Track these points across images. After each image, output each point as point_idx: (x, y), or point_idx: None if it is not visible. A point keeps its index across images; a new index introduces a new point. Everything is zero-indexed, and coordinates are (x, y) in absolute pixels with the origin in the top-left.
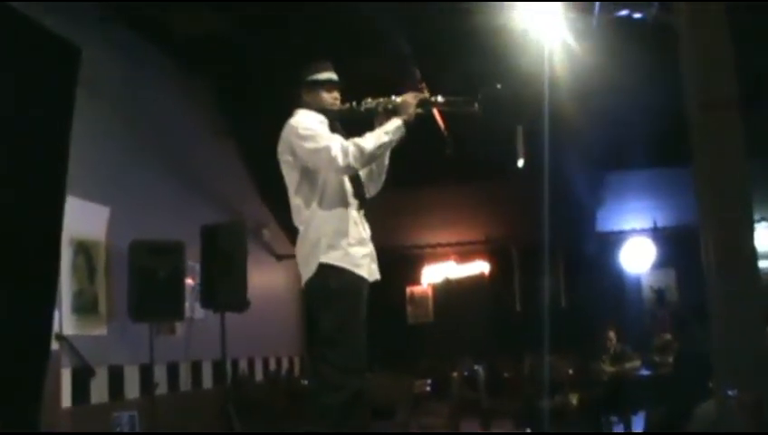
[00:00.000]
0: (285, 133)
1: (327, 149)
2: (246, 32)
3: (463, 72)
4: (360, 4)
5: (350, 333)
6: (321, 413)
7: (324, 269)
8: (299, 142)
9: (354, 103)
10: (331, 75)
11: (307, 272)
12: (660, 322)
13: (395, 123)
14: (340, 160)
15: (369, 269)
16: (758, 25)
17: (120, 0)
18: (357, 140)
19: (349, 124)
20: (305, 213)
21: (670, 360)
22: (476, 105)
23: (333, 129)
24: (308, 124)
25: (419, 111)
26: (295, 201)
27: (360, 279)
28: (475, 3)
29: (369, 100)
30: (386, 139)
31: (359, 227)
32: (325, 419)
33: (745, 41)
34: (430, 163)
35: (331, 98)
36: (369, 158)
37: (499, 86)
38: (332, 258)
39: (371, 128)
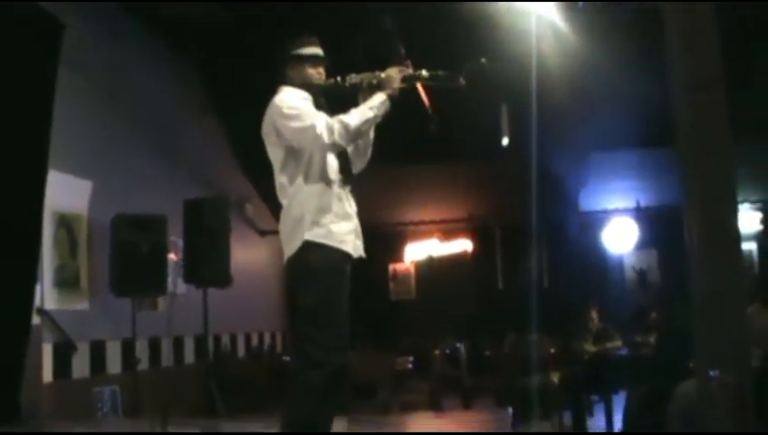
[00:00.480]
0: (269, 113)
1: (312, 128)
2: (230, 9)
3: (448, 51)
4: None
5: (333, 310)
6: (303, 391)
7: (307, 246)
8: (283, 122)
9: (339, 78)
10: (317, 50)
11: (290, 248)
12: (645, 302)
13: (379, 98)
14: (326, 138)
15: (353, 245)
16: (743, 7)
17: None
18: (342, 116)
19: (333, 99)
20: (290, 190)
21: (652, 340)
22: (461, 80)
23: (318, 104)
24: (292, 102)
25: (404, 85)
26: (280, 179)
27: (344, 255)
28: None
29: (354, 75)
30: (371, 114)
31: (343, 203)
32: (307, 396)
33: (730, 22)
34: (414, 140)
35: (316, 73)
36: (354, 134)
37: (484, 60)
38: (316, 235)
39: (356, 103)
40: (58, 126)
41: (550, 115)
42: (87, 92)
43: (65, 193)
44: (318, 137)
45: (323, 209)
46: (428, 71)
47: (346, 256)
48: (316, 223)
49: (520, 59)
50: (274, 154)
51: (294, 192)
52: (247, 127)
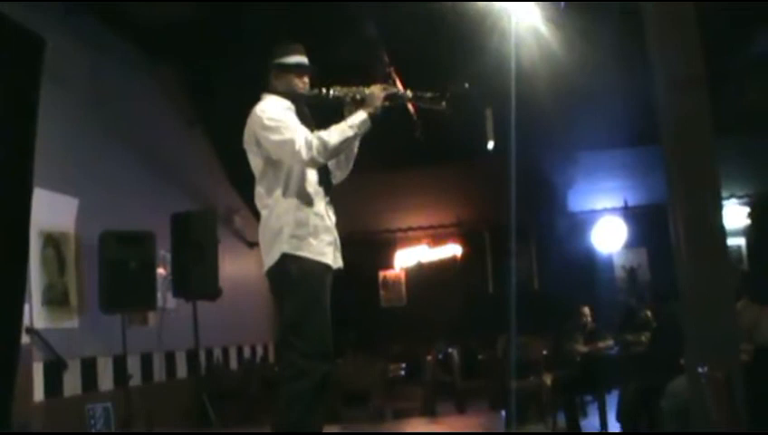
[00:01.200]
0: (251, 122)
1: (291, 142)
2: (213, 18)
3: (431, 55)
4: None
5: (314, 317)
6: (289, 399)
7: (286, 258)
8: (263, 133)
9: (323, 90)
10: (303, 59)
11: (269, 260)
12: (637, 300)
13: (361, 116)
14: (304, 154)
15: (333, 257)
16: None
17: None
18: (321, 133)
19: (316, 108)
20: (267, 201)
21: (643, 338)
22: (443, 103)
23: (301, 113)
24: (273, 114)
25: (387, 103)
26: (259, 188)
27: (324, 266)
28: None
29: (338, 88)
30: (350, 133)
31: (323, 215)
32: (294, 404)
33: (712, 17)
34: (400, 146)
35: (301, 83)
36: (332, 152)
37: (467, 85)
38: (294, 248)
39: (339, 113)
40: (41, 143)
41: (535, 116)
42: (70, 108)
43: (51, 211)
44: (296, 153)
45: (302, 222)
46: (412, 90)
47: (326, 267)
48: (295, 236)
49: (503, 60)
50: (254, 162)
51: (273, 204)
52: (234, 138)
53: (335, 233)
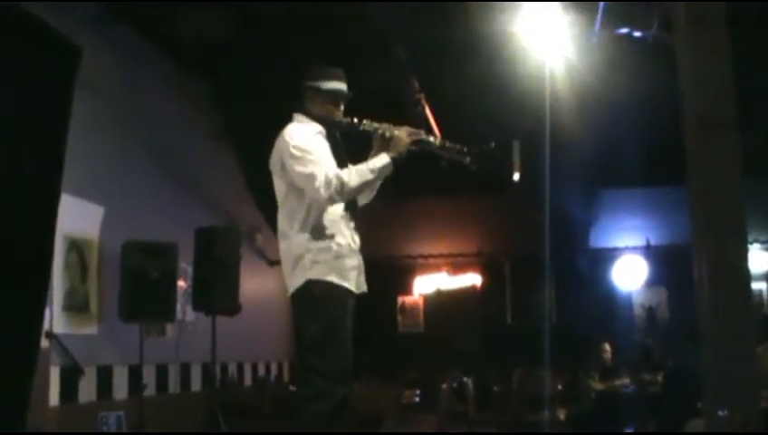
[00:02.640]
0: (278, 146)
1: (312, 178)
2: (246, 35)
3: (462, 85)
4: (361, 8)
5: (336, 340)
6: (307, 421)
7: (310, 283)
8: (289, 161)
9: (355, 120)
10: (341, 86)
11: (293, 285)
12: (655, 340)
13: (383, 160)
14: (323, 192)
15: (356, 281)
16: (755, 42)
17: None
18: (343, 173)
19: (347, 134)
20: (289, 225)
21: (659, 378)
22: (468, 159)
23: (332, 136)
24: (300, 142)
25: (413, 147)
26: (282, 212)
27: (347, 291)
28: (477, 19)
29: (368, 122)
30: (371, 177)
31: (347, 240)
32: (311, 426)
33: (742, 58)
34: (425, 174)
35: (336, 110)
36: (349, 193)
37: (493, 144)
38: (317, 273)
39: (369, 141)
40: (71, 150)
41: (560, 152)
42: (101, 117)
43: (77, 217)
44: (316, 189)
45: (325, 249)
46: (439, 141)
47: (348, 291)
48: (317, 262)
49: (531, 94)
50: (279, 186)
51: (295, 229)
52: (260, 156)
53: (359, 257)
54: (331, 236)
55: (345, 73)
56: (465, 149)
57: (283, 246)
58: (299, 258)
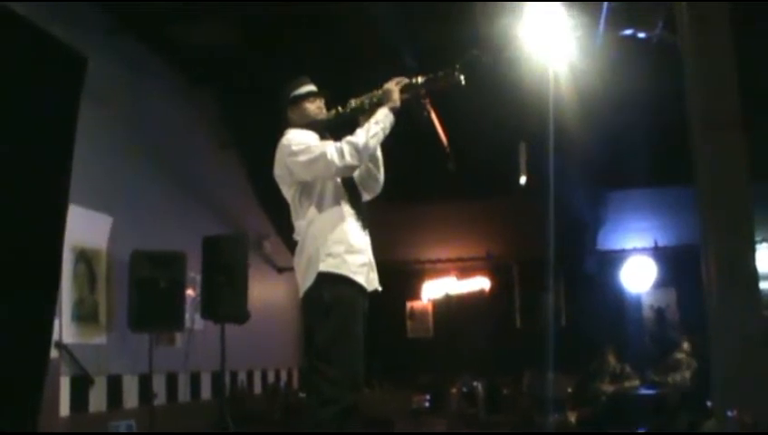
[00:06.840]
0: (279, 154)
1: (322, 156)
2: (250, 44)
3: (467, 90)
4: (366, 13)
5: (345, 346)
6: (315, 427)
7: (322, 279)
8: (293, 159)
9: (339, 108)
10: (310, 87)
11: (305, 283)
12: (672, 339)
13: (382, 112)
14: (337, 161)
15: (367, 278)
16: (759, 45)
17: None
18: (348, 138)
19: (339, 131)
20: (302, 225)
21: (670, 380)
22: (457, 76)
23: (324, 139)
24: (299, 139)
25: (405, 95)
26: (294, 217)
27: (359, 289)
28: (478, 24)
29: (353, 99)
30: (377, 128)
31: (357, 235)
32: (319, 432)
33: (747, 61)
34: (432, 178)
35: (316, 108)
36: (364, 150)
37: (476, 52)
38: (330, 266)
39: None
40: (79, 160)
41: (567, 153)
42: (109, 127)
43: (85, 227)
44: (330, 163)
45: (337, 241)
46: (423, 75)
47: (360, 289)
48: (330, 254)
49: (537, 97)
50: (288, 193)
51: (307, 228)
52: (266, 163)
53: (370, 254)
54: (343, 230)
55: (342, 77)
56: (450, 69)
57: (297, 249)
58: (313, 253)
